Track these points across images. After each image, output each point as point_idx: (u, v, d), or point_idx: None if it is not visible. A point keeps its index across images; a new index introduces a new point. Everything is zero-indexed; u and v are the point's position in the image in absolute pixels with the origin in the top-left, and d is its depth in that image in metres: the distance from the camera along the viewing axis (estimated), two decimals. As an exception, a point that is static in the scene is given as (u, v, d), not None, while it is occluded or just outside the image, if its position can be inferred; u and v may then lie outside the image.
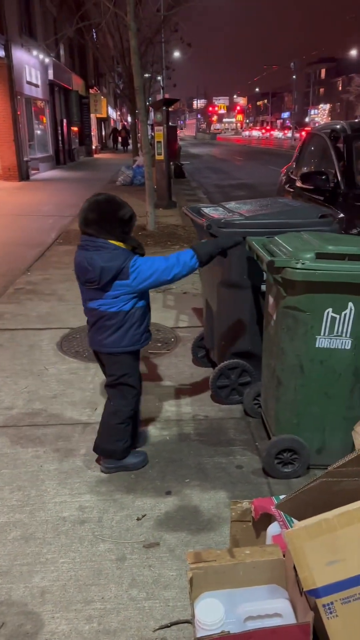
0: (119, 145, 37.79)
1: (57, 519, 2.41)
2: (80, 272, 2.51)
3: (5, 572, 2.13)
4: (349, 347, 2.51)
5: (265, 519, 1.99)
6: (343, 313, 2.46)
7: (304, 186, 5.19)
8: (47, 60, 20.11)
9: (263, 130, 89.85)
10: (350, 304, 2.45)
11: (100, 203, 2.47)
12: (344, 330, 2.49)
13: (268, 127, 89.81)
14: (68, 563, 2.18)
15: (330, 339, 2.50)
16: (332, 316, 2.47)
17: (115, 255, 2.42)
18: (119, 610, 1.97)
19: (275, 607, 1.54)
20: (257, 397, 3.16)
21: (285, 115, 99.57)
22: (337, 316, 2.47)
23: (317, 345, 2.52)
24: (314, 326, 2.49)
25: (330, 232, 2.98)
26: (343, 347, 2.52)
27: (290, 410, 2.66)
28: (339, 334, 2.50)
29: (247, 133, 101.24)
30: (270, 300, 2.75)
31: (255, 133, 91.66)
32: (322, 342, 2.51)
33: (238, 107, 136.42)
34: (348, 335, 2.50)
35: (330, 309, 2.46)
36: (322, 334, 2.50)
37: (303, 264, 2.39)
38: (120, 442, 2.67)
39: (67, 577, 2.11)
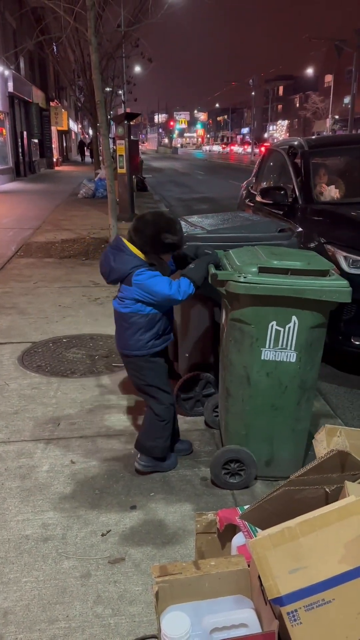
0: (87, 158, 38.36)
1: (19, 537, 2.36)
2: (100, 264, 2.64)
3: (-35, 595, 2.07)
4: (293, 359, 2.56)
5: (230, 530, 2.00)
6: (287, 326, 2.51)
7: (263, 201, 5.30)
8: (6, 72, 19.95)
9: (222, 146, 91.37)
10: (294, 318, 2.49)
11: (156, 216, 2.56)
12: (289, 343, 2.53)
13: (228, 143, 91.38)
14: (31, 582, 2.14)
15: (276, 351, 2.54)
16: (276, 329, 2.51)
17: (127, 260, 2.51)
18: (84, 628, 1.94)
19: (241, 617, 1.55)
20: (216, 409, 3.19)
21: (245, 130, 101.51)
22: (282, 329, 2.51)
23: (262, 358, 2.56)
24: (259, 339, 2.53)
25: (288, 246, 3.05)
26: (288, 360, 2.56)
27: (239, 421, 2.69)
28: (284, 346, 2.54)
29: (207, 147, 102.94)
30: (223, 312, 2.79)
31: (216, 148, 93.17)
32: (267, 354, 2.55)
33: (199, 124, 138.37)
34: (292, 348, 2.54)
35: (274, 322, 2.50)
36: (267, 346, 2.54)
37: (245, 277, 2.44)
38: (160, 440, 2.74)
39: (31, 596, 2.07)
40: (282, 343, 2.53)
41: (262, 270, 2.47)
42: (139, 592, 2.10)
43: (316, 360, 2.61)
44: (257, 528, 1.84)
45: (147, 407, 2.80)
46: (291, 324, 2.50)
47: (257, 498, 2.59)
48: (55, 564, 2.22)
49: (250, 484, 2.71)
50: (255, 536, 1.77)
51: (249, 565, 1.66)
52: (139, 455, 2.81)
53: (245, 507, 1.95)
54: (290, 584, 1.34)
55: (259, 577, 1.46)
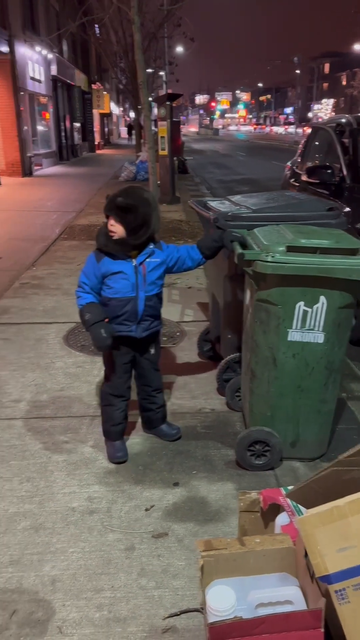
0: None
1: (66, 509, 2.43)
2: None
3: (16, 561, 2.15)
4: (321, 340, 2.50)
5: (274, 510, 2.00)
6: (315, 307, 2.45)
7: (309, 180, 5.18)
8: (50, 55, 20.06)
9: (254, 126, 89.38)
10: (322, 298, 2.43)
11: None
12: (316, 324, 2.47)
13: (261, 123, 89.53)
14: (78, 552, 2.20)
15: (303, 332, 2.49)
16: (304, 310, 2.45)
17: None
18: (128, 599, 1.99)
19: (286, 594, 1.55)
20: (238, 391, 3.17)
21: (289, 110, 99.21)
22: (309, 310, 2.45)
23: (289, 339, 2.51)
24: (286, 319, 2.48)
25: (336, 225, 2.98)
26: (315, 341, 2.50)
27: (264, 402, 2.66)
28: (311, 327, 2.48)
29: (233, 128, 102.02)
30: (247, 293, 2.75)
31: (245, 129, 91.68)
32: (294, 335, 2.50)
33: (241, 104, 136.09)
34: (320, 329, 2.48)
35: (301, 303, 2.45)
36: (294, 327, 2.49)
37: (273, 257, 2.38)
38: (103, 424, 2.81)
39: (77, 566, 2.13)
40: (310, 324, 2.48)
41: (290, 249, 2.41)
42: (182, 566, 2.13)
43: (344, 341, 2.55)
44: (301, 508, 1.83)
45: None
46: (319, 305, 2.44)
47: (300, 479, 2.59)
48: (100, 536, 2.28)
49: (275, 465, 2.70)
50: (300, 515, 1.76)
51: (294, 544, 1.66)
52: None
53: (289, 487, 1.95)
54: (338, 563, 1.33)
55: (305, 555, 1.46)
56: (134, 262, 2.53)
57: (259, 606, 1.54)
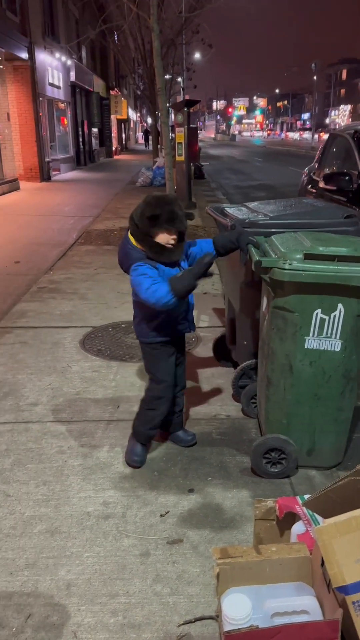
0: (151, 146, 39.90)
1: (81, 513, 2.44)
2: None
3: (31, 565, 2.16)
4: (338, 348, 2.49)
5: (289, 518, 1.99)
6: (332, 314, 2.43)
7: (326, 187, 5.17)
8: (69, 62, 20.29)
9: (268, 132, 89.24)
10: (340, 306, 2.42)
11: (146, 198, 2.46)
12: (334, 331, 2.46)
13: (272, 130, 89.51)
14: (93, 557, 2.21)
15: (320, 340, 2.48)
16: (321, 317, 2.44)
17: (128, 253, 2.48)
18: (143, 605, 1.99)
19: (302, 603, 1.54)
20: (254, 397, 3.16)
21: (306, 116, 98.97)
22: (327, 317, 2.44)
23: (306, 346, 2.50)
24: (303, 327, 2.47)
25: (355, 233, 2.97)
26: (333, 349, 2.49)
27: (280, 410, 2.65)
28: (329, 335, 2.47)
29: (246, 133, 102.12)
30: (264, 300, 2.74)
31: (258, 134, 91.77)
32: (311, 343, 2.49)
33: (258, 110, 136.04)
34: (338, 336, 2.47)
35: (319, 310, 2.44)
36: (311, 335, 2.48)
37: (290, 264, 2.38)
38: (140, 427, 2.79)
39: (92, 570, 2.14)
40: (327, 331, 2.47)
41: (308, 256, 2.40)
42: (196, 573, 2.13)
43: None
44: (318, 517, 1.82)
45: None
46: (337, 312, 2.43)
47: (316, 488, 2.57)
48: (115, 541, 2.29)
49: (291, 473, 2.68)
50: (316, 525, 1.75)
51: (310, 553, 1.65)
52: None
53: (305, 496, 1.94)
54: (356, 573, 1.32)
55: (321, 564, 1.45)
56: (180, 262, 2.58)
57: (274, 615, 1.53)
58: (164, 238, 2.42)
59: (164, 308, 2.37)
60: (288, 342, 2.52)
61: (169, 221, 2.38)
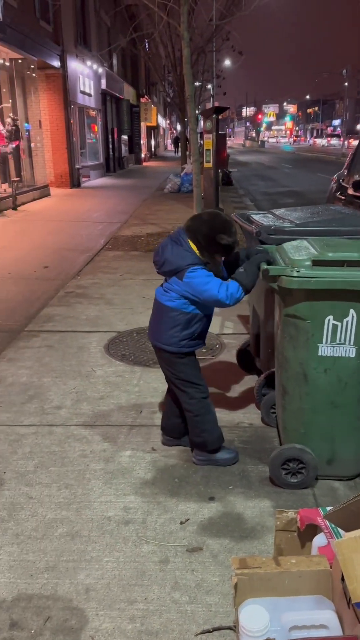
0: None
1: (102, 518, 2.45)
2: (154, 252, 2.66)
3: (52, 568, 2.18)
4: (353, 354, 2.44)
5: (311, 530, 1.96)
6: (345, 320, 2.40)
7: (355, 194, 5.10)
8: (100, 70, 20.58)
9: (294, 138, 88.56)
10: (352, 311, 2.38)
11: (212, 215, 2.57)
12: (347, 337, 2.42)
13: (297, 136, 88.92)
14: (112, 562, 2.21)
15: (333, 346, 2.44)
16: (333, 324, 2.41)
17: (184, 255, 2.52)
18: (161, 612, 1.98)
19: (321, 617, 1.51)
20: (273, 407, 3.13)
21: (337, 122, 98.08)
22: (339, 324, 2.41)
23: (319, 354, 2.46)
24: (315, 334, 2.44)
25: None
26: (347, 355, 2.45)
27: (296, 419, 2.61)
28: (342, 341, 2.43)
29: (272, 140, 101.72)
30: (276, 308, 2.72)
31: (285, 141, 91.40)
32: (324, 350, 2.45)
33: (288, 116, 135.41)
34: (352, 342, 2.43)
35: (330, 317, 2.40)
36: (324, 342, 2.44)
37: (298, 271, 2.35)
38: (205, 434, 2.76)
39: (111, 575, 2.14)
40: (340, 338, 2.43)
41: (316, 263, 2.38)
42: (215, 582, 2.11)
43: None
44: (340, 530, 1.79)
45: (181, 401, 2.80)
46: (349, 318, 2.40)
47: (339, 500, 2.53)
48: (135, 547, 2.29)
49: (311, 483, 2.64)
50: (338, 538, 1.72)
51: (331, 567, 1.62)
52: (194, 450, 2.84)
53: (328, 508, 1.90)
54: (376, 590, 1.29)
55: (341, 579, 1.42)
56: None
57: (292, 629, 1.51)
58: (220, 258, 2.64)
59: (234, 303, 2.50)
60: (301, 349, 2.49)
61: (232, 250, 2.58)
